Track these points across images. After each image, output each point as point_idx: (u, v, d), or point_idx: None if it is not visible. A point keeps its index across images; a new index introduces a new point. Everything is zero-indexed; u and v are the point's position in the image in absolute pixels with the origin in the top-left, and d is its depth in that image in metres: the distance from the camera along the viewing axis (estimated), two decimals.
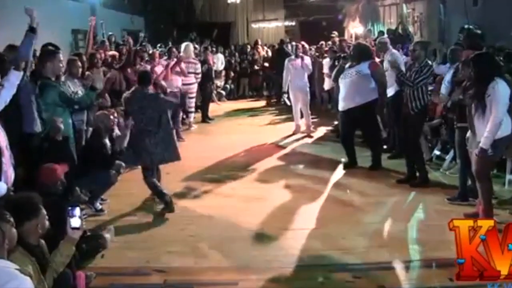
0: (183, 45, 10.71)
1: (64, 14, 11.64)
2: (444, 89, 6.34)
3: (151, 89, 6.05)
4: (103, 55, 8.44)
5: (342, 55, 8.50)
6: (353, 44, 8.79)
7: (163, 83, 8.98)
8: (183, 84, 9.73)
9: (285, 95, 10.44)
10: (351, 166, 7.34)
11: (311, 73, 10.45)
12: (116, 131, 6.13)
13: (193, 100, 10.60)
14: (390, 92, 7.33)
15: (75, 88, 6.12)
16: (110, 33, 11.17)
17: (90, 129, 6.35)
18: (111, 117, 5.96)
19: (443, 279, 3.91)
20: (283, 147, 8.98)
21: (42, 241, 3.28)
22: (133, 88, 6.03)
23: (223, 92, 15.01)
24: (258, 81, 15.92)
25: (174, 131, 6.15)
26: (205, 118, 11.70)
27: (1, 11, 9.18)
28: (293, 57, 10.21)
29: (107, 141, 5.83)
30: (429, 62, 6.55)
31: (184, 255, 4.62)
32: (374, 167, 7.21)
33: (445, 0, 12.21)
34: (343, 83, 7.29)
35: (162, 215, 5.62)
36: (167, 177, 6.45)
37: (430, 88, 6.98)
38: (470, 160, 5.05)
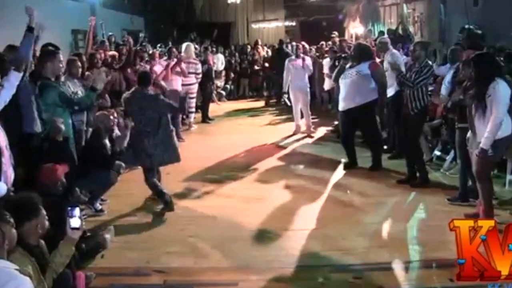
0: (183, 45, 10.71)
1: (64, 14, 11.62)
2: (444, 89, 6.34)
3: (151, 89, 6.04)
4: (103, 55, 8.42)
5: (342, 55, 8.50)
6: (353, 44, 8.78)
7: (162, 83, 8.99)
8: (184, 85, 9.73)
9: (285, 95, 10.44)
10: (351, 166, 7.34)
11: (312, 74, 10.45)
12: (116, 132, 6.13)
13: (194, 100, 10.60)
14: (390, 92, 7.33)
15: (75, 88, 6.12)
16: (110, 33, 11.16)
17: (90, 129, 6.34)
18: (111, 117, 5.95)
19: (444, 279, 3.90)
20: (283, 148, 8.98)
21: (42, 242, 3.28)
22: (133, 89, 6.03)
23: (223, 92, 15.01)
24: (258, 81, 15.92)
25: (174, 132, 6.12)
26: (205, 118, 11.70)
27: (1, 11, 9.18)
28: (293, 57, 10.21)
29: (107, 141, 5.83)
30: (429, 62, 6.55)
31: (184, 256, 4.62)
32: (375, 167, 7.20)
33: (446, 0, 12.21)
34: (343, 83, 7.29)
35: (162, 215, 5.63)
36: (167, 177, 6.45)
37: (430, 88, 6.98)
38: (471, 160, 5.05)
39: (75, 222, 3.30)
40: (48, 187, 4.42)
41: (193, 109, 10.75)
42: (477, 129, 4.81)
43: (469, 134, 5.04)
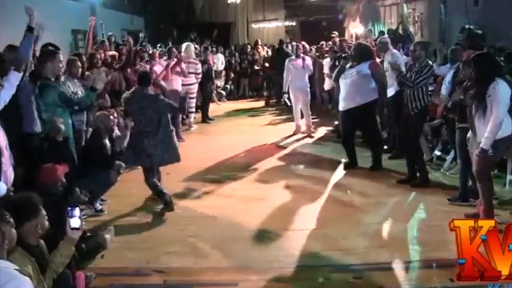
0: (184, 45, 10.71)
1: (64, 14, 11.62)
2: (444, 89, 6.34)
3: (151, 89, 6.04)
4: (102, 55, 8.42)
5: (343, 55, 8.50)
6: (354, 44, 8.78)
7: (162, 83, 8.98)
8: (184, 85, 9.73)
9: (286, 95, 10.44)
10: (351, 166, 7.34)
11: (312, 74, 10.44)
12: (116, 132, 6.13)
13: (194, 100, 10.60)
14: (390, 92, 7.32)
15: (74, 88, 6.12)
16: (110, 33, 11.16)
17: (90, 129, 6.34)
18: (111, 117, 5.95)
19: (444, 279, 3.90)
20: (283, 148, 8.98)
21: (42, 242, 3.28)
22: (133, 89, 6.03)
23: (223, 92, 15.01)
24: (258, 81, 15.91)
25: (174, 132, 6.12)
26: (205, 118, 11.69)
27: (1, 11, 9.17)
28: (294, 57, 10.21)
29: (107, 141, 5.82)
30: (430, 62, 6.55)
31: (184, 256, 4.61)
32: (375, 167, 7.20)
33: (446, 0, 12.20)
34: (343, 83, 7.29)
35: (162, 215, 5.62)
36: (167, 177, 6.45)
37: (430, 88, 6.98)
38: (471, 160, 5.05)
39: (75, 222, 3.29)
40: (48, 187, 4.42)
41: (193, 109, 10.75)
42: (477, 129, 4.81)
43: (469, 134, 5.04)
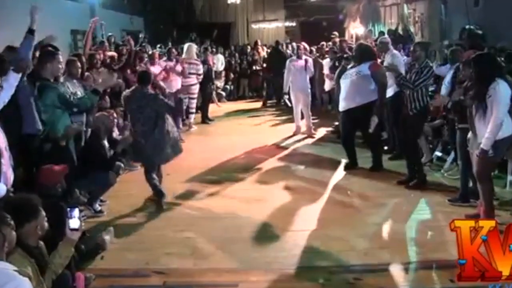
0: (185, 46, 10.71)
1: (63, 14, 11.62)
2: (444, 89, 6.34)
3: (150, 89, 6.05)
4: (102, 55, 8.41)
5: (344, 55, 8.49)
6: (355, 45, 8.77)
7: (161, 84, 8.98)
8: (185, 85, 9.72)
9: (286, 96, 10.43)
10: (351, 167, 7.32)
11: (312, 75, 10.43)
12: (116, 132, 6.12)
13: (194, 101, 10.60)
14: (390, 93, 7.31)
15: (74, 89, 6.09)
16: (109, 33, 11.15)
17: (90, 130, 6.33)
18: (111, 117, 5.95)
19: (444, 280, 3.90)
20: (283, 148, 8.97)
21: (41, 243, 3.28)
22: (133, 87, 6.05)
23: (223, 93, 14.99)
24: (258, 81, 15.88)
25: (175, 128, 6.14)
26: (205, 119, 11.68)
27: (1, 11, 9.17)
28: (294, 57, 10.19)
29: (105, 142, 5.82)
30: (430, 63, 6.54)
31: (183, 257, 4.61)
32: (375, 168, 7.19)
33: (446, 1, 12.21)
34: (343, 84, 7.28)
35: (162, 216, 5.62)
36: (167, 178, 6.44)
37: (431, 89, 6.97)
38: (471, 161, 5.04)
39: (74, 223, 3.29)
40: (47, 188, 4.41)
41: (194, 110, 10.74)
42: (477, 129, 4.80)
43: (469, 134, 5.03)
